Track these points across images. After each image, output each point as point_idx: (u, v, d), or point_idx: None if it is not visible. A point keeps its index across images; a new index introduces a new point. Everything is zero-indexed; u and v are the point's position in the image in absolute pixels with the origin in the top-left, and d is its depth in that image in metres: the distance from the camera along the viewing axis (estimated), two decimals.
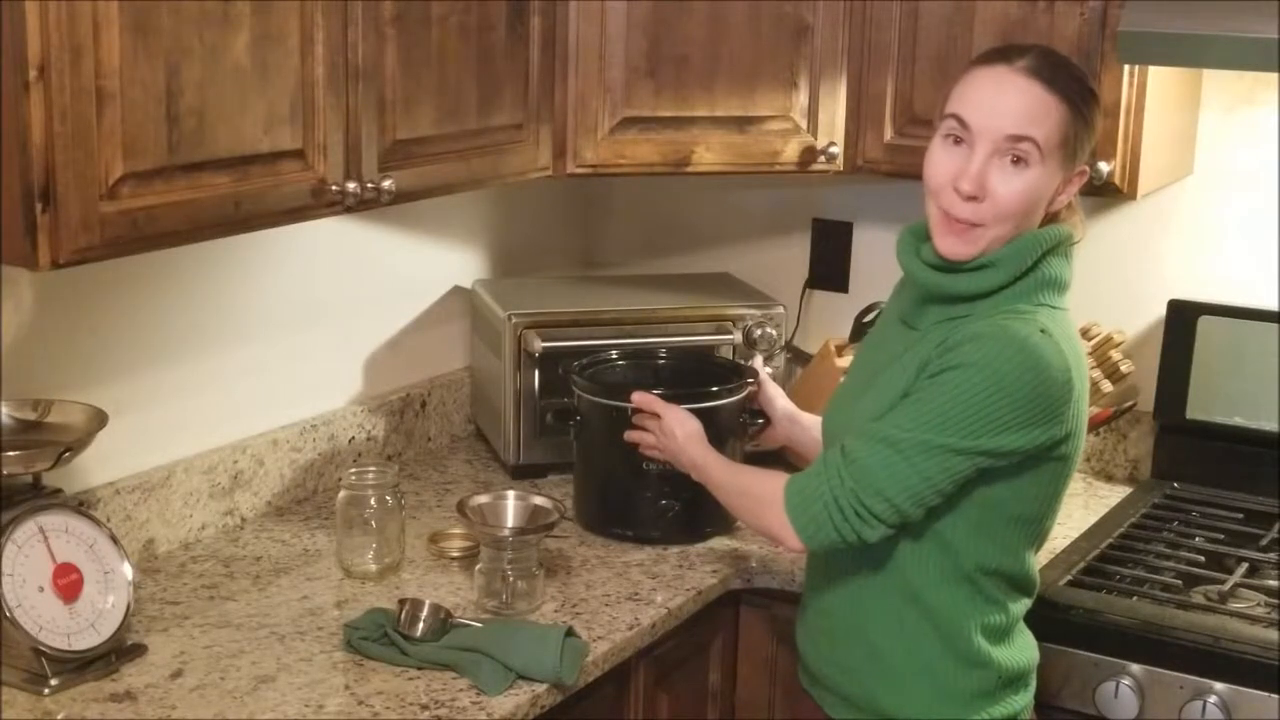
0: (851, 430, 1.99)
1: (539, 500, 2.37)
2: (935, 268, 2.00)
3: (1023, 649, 2.08)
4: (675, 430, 2.33)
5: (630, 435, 2.44)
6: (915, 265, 2.03)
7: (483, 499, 2.37)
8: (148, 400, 2.43)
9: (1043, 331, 1.92)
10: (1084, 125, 1.97)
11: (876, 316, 2.64)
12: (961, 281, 1.98)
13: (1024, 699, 2.09)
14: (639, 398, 2.41)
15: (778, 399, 2.54)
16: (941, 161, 1.98)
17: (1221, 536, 2.62)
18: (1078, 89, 1.97)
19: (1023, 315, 1.94)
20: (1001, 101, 1.94)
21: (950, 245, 1.97)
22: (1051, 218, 2.01)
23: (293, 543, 2.54)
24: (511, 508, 2.36)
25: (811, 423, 2.42)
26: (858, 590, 2.05)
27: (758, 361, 2.72)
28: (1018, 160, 1.93)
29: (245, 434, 2.61)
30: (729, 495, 2.21)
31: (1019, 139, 1.93)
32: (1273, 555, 2.54)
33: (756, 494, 2.09)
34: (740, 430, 2.56)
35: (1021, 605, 2.08)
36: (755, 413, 2.55)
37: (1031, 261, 1.97)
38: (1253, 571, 2.50)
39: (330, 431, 2.76)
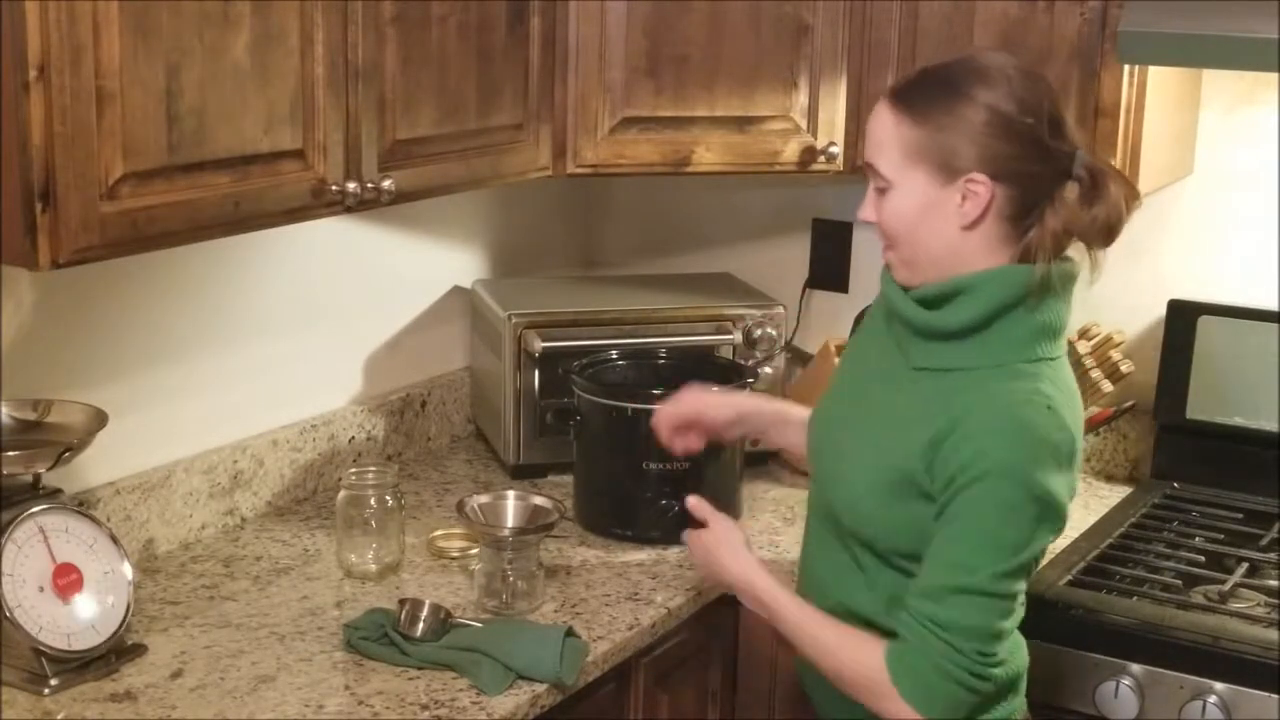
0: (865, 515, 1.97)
1: (539, 500, 2.37)
2: (917, 301, 1.98)
3: (1014, 657, 2.07)
4: (722, 544, 2.15)
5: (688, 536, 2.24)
6: (901, 301, 2.00)
7: (483, 499, 2.37)
8: (148, 400, 2.43)
9: (1049, 408, 1.88)
10: (943, 132, 1.89)
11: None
12: (946, 317, 1.94)
13: (1015, 701, 2.08)
14: (694, 503, 2.21)
15: (765, 413, 2.44)
16: None
17: (1221, 536, 2.62)
18: (939, 96, 1.90)
19: (1021, 379, 1.90)
20: (867, 134, 1.99)
21: (894, 274, 2.01)
22: (1035, 248, 1.92)
23: (293, 543, 2.54)
24: (511, 508, 2.36)
25: (801, 418, 2.38)
26: (852, 601, 2.05)
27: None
28: (879, 189, 1.97)
29: (245, 434, 2.61)
30: (805, 646, 2.05)
31: (869, 168, 1.97)
32: (1273, 555, 2.54)
33: (852, 672, 1.97)
34: None
35: (1013, 620, 2.06)
36: None
37: (1012, 298, 1.91)
38: (1253, 571, 2.50)
39: (330, 431, 2.76)
